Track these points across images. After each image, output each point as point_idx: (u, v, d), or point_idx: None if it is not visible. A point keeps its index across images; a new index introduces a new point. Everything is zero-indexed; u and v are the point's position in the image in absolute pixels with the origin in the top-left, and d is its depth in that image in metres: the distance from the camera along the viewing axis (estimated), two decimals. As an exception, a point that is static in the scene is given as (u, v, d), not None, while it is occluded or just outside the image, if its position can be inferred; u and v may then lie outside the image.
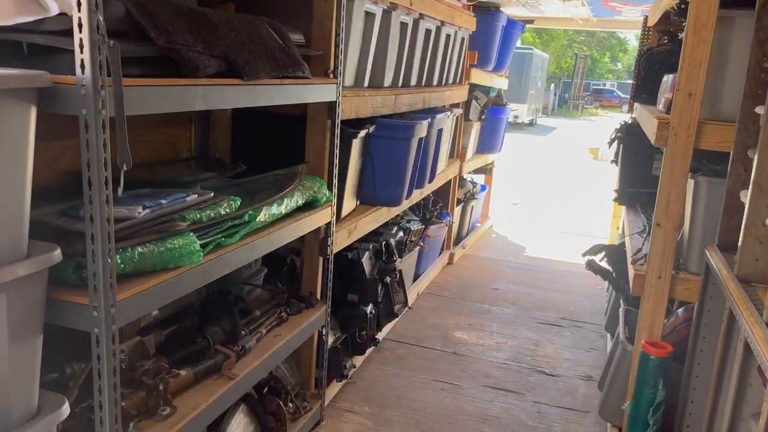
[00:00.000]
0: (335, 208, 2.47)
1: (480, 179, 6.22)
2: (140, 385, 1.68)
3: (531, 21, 5.68)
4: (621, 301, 3.22)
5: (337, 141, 2.41)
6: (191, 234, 1.60)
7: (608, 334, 3.59)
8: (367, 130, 2.67)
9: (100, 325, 1.34)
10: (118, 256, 1.39)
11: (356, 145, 2.64)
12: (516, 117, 20.57)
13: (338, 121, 2.39)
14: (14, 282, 1.19)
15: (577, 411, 2.87)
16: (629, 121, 3.79)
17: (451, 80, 4.31)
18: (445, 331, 3.65)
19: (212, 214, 1.69)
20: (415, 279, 4.20)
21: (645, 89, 3.50)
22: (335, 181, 2.45)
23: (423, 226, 3.86)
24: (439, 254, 4.77)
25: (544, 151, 14.58)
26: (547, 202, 8.13)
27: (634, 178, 3.54)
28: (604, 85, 38.30)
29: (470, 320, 3.83)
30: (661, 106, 2.75)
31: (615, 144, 3.80)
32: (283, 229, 2.05)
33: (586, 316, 4.05)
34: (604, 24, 5.66)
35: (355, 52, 2.66)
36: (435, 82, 3.90)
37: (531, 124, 22.48)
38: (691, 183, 2.25)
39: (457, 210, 5.14)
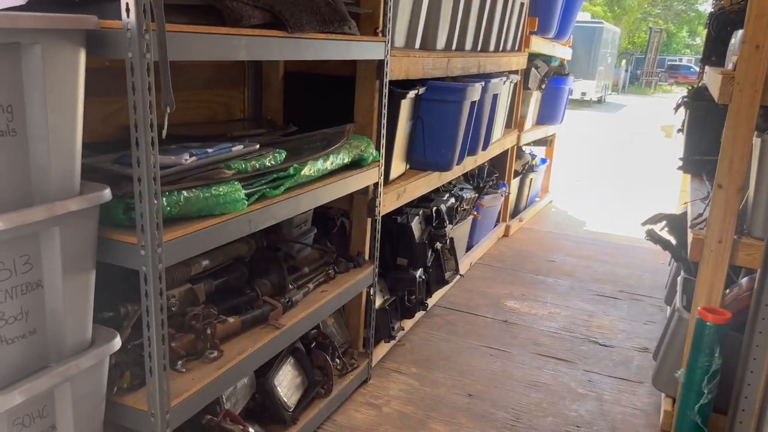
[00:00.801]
0: (383, 169, 2.48)
1: (541, 152, 6.09)
2: (190, 329, 1.75)
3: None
4: (681, 271, 3.10)
5: (385, 101, 2.41)
6: (236, 183, 1.64)
7: (668, 307, 3.47)
8: (416, 91, 2.65)
9: (147, 263, 1.40)
10: (164, 199, 1.44)
11: (405, 106, 2.63)
12: (584, 94, 19.97)
13: (386, 81, 2.39)
14: (67, 216, 1.26)
15: (630, 381, 2.80)
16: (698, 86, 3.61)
17: (509, 47, 4.22)
18: (496, 299, 3.62)
19: (257, 164, 1.73)
20: (468, 249, 4.18)
21: (715, 51, 3.32)
22: (383, 141, 2.45)
23: (476, 195, 3.82)
24: (495, 226, 4.72)
25: (612, 129, 14.08)
26: (613, 180, 7.87)
27: (701, 144, 3.37)
28: (680, 60, 36.54)
29: (523, 290, 3.78)
30: (730, 66, 2.61)
31: (682, 111, 3.63)
32: (329, 185, 2.07)
33: (645, 289, 3.93)
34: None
35: (405, 12, 2.64)
36: (491, 48, 3.82)
37: (600, 101, 21.75)
38: (757, 142, 2.13)
39: (515, 182, 5.05)
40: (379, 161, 2.43)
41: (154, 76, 1.33)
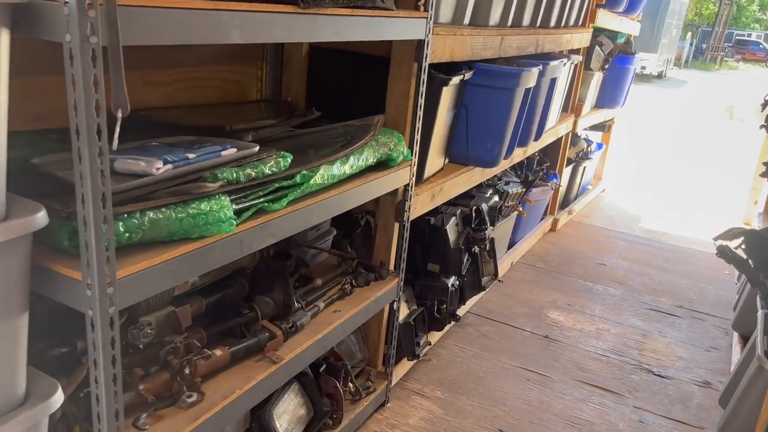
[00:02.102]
0: (415, 168, 2.11)
1: (596, 137, 5.59)
2: (165, 365, 1.46)
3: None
4: (758, 299, 2.67)
5: (423, 88, 2.03)
6: (223, 197, 1.31)
7: (735, 334, 3.05)
8: (461, 76, 2.26)
9: (94, 306, 1.09)
10: (121, 223, 1.12)
11: (447, 94, 2.25)
12: (643, 68, 18.90)
13: (425, 65, 2.00)
14: (-23, 252, 0.96)
15: (690, 426, 2.42)
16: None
17: (572, 22, 3.74)
18: (538, 309, 3.25)
19: (254, 173, 1.39)
20: (510, 247, 3.80)
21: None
22: (417, 136, 2.08)
23: (523, 190, 3.42)
24: (541, 219, 4.31)
25: (672, 107, 13.25)
26: (671, 165, 7.29)
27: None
28: (749, 35, 34.46)
29: (569, 299, 3.40)
30: None
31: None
32: (346, 192, 1.73)
33: (708, 305, 3.49)
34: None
35: (454, -19, 2.23)
36: (552, 24, 3.36)
37: (660, 76, 20.60)
38: None
39: (567, 171, 4.61)
40: (411, 160, 2.07)
41: (103, 66, 0.99)
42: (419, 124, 2.07)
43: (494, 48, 2.56)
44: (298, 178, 1.51)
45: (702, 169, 7.13)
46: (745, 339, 2.93)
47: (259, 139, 1.69)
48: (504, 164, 3.00)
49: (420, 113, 2.06)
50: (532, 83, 2.66)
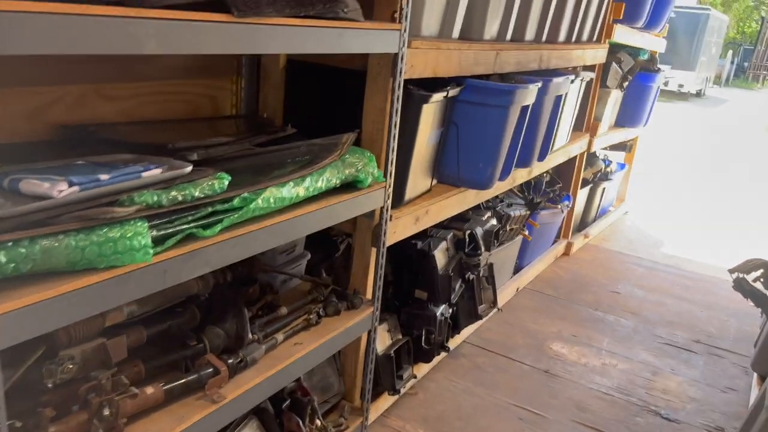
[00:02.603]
0: (391, 189, 1.97)
1: (618, 157, 5.36)
2: (84, 405, 1.33)
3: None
4: (777, 339, 2.44)
5: (398, 105, 1.89)
6: (140, 222, 1.19)
7: (755, 375, 2.80)
8: (445, 93, 2.11)
9: (-32, 345, 0.98)
10: (3, 252, 1.01)
11: (430, 111, 2.10)
12: (681, 86, 18.42)
13: (400, 80, 1.87)
14: None
15: (696, 478, 2.20)
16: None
17: (585, 37, 3.56)
18: (541, 340, 3.05)
19: (180, 195, 1.26)
20: (516, 272, 3.61)
21: None
22: (393, 156, 1.94)
23: (527, 213, 3.24)
24: (553, 243, 4.10)
25: (710, 126, 12.82)
26: (704, 187, 6.97)
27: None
28: (795, 54, 33.37)
29: (576, 329, 3.19)
30: None
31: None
32: (302, 217, 1.59)
33: (728, 341, 3.24)
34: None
35: (440, -8, 2.09)
36: (561, 39, 3.19)
37: (699, 94, 20.03)
38: None
39: (583, 192, 4.40)
40: (383, 181, 1.93)
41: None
42: (394, 144, 1.93)
43: (488, 63, 2.41)
44: (236, 202, 1.38)
45: (736, 192, 6.80)
46: (764, 380, 2.69)
47: (208, 158, 1.58)
48: (503, 186, 2.83)
49: (395, 131, 1.92)
50: (529, 101, 2.50)
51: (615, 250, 4.48)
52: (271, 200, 1.46)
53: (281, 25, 1.37)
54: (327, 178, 1.67)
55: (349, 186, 1.81)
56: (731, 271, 2.62)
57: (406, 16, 1.81)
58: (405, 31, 1.81)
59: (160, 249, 1.23)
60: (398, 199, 2.12)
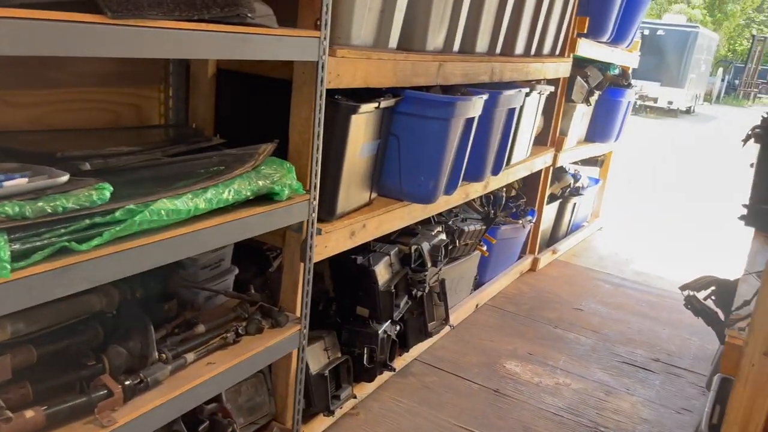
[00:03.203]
0: (316, 202, 1.90)
1: (593, 172, 5.32)
2: (-50, 429, 1.25)
3: (668, -18, 4.61)
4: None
5: (320, 116, 1.83)
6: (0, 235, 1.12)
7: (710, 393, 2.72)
8: (376, 104, 2.05)
9: None
10: None
11: (361, 122, 2.04)
12: (671, 103, 18.50)
13: (322, 90, 1.81)
14: None
15: (638, 505, 2.11)
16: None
17: (546, 50, 3.52)
18: (495, 358, 2.97)
19: (49, 207, 1.19)
20: (477, 287, 3.53)
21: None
22: (317, 168, 1.88)
23: (483, 228, 3.17)
24: (518, 258, 4.03)
25: (698, 143, 12.83)
26: (684, 203, 6.93)
27: (772, 191, 2.60)
28: (786, 71, 33.63)
29: (532, 347, 3.11)
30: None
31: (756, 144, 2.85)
32: (205, 230, 1.52)
33: (688, 360, 3.16)
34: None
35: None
36: (519, 51, 3.15)
37: (689, 111, 20.11)
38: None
39: (551, 207, 4.34)
40: (309, 193, 1.86)
41: None
42: (318, 155, 1.87)
43: (430, 74, 2.35)
44: (119, 214, 1.31)
45: (716, 209, 6.73)
46: (718, 402, 2.61)
47: (106, 168, 1.51)
48: (454, 199, 2.77)
49: (318, 143, 1.86)
50: (474, 113, 2.44)
51: (584, 266, 4.42)
52: (163, 213, 1.39)
53: (169, 29, 1.31)
54: (236, 189, 1.60)
55: (267, 198, 1.74)
56: (682, 289, 2.54)
57: (326, 24, 1.75)
58: (325, 39, 1.76)
59: (24, 264, 1.16)
60: (329, 212, 2.06)
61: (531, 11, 3.12)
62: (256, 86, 2.11)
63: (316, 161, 1.87)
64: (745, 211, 2.78)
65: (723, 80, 28.28)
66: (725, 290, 2.46)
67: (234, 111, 2.17)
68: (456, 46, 2.59)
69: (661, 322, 3.58)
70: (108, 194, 1.29)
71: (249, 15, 1.49)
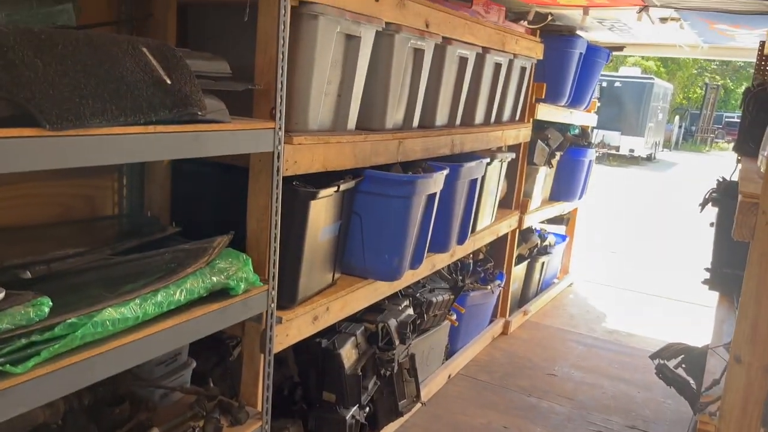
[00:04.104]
0: (275, 292, 1.84)
1: (560, 229, 5.36)
2: None
3: (620, 48, 4.78)
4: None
5: (277, 205, 1.79)
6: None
7: (687, 465, 2.67)
8: (335, 188, 2.03)
9: None
10: None
11: (320, 207, 2.01)
12: (632, 151, 19.05)
13: (278, 179, 1.78)
14: None
15: None
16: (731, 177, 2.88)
17: (506, 117, 3.58)
18: (468, 434, 2.89)
19: (-19, 329, 1.12)
20: (448, 356, 3.46)
21: (752, 137, 2.62)
22: (275, 257, 1.83)
23: (451, 297, 3.13)
24: (489, 323, 3.99)
25: (661, 189, 13.13)
26: (654, 252, 7.01)
27: (733, 255, 2.63)
28: (739, 117, 34.98)
29: (507, 419, 3.03)
30: (762, 166, 1.91)
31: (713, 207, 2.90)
32: (156, 335, 1.45)
33: (664, 425, 3.12)
34: (716, 52, 4.65)
35: (328, 85, 2.04)
36: (478, 121, 3.19)
37: (650, 158, 20.69)
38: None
39: (520, 269, 4.34)
40: (267, 284, 1.81)
41: None
42: (276, 244, 1.82)
43: (390, 153, 2.36)
44: (58, 330, 1.24)
45: (689, 256, 6.79)
46: (696, 473, 2.56)
47: (49, 274, 1.44)
48: (420, 272, 2.73)
49: (276, 232, 1.82)
50: (435, 189, 2.44)
51: (555, 327, 4.39)
52: (108, 323, 1.32)
53: (114, 135, 1.28)
54: (189, 289, 1.54)
55: (222, 293, 1.68)
56: (652, 358, 2.53)
57: (281, 114, 1.74)
58: (280, 129, 1.74)
59: (-49, 393, 1.08)
60: (289, 299, 2.00)
61: (489, 82, 3.18)
62: (213, 173, 2.07)
63: (275, 250, 1.83)
64: (707, 275, 2.81)
65: (680, 127, 29.28)
66: (695, 358, 2.45)
67: (191, 198, 2.13)
68: (416, 122, 2.61)
69: (635, 384, 3.55)
70: (47, 310, 1.22)
71: (200, 113, 1.47)
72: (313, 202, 1.94)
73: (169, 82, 1.42)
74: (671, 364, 2.50)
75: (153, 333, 1.45)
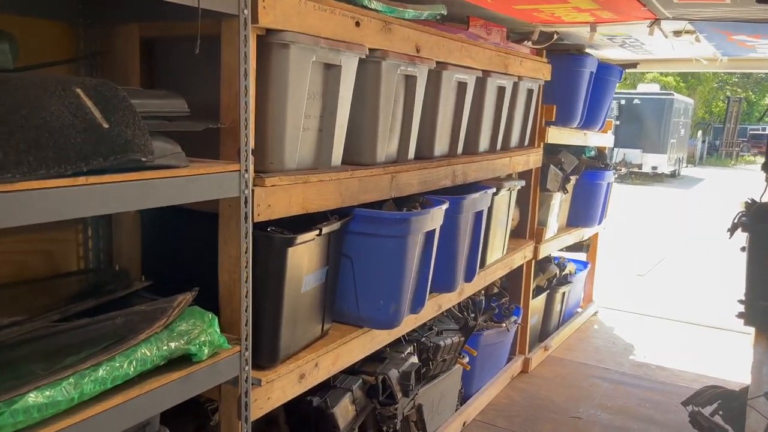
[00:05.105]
0: (249, 353, 1.64)
1: (581, 256, 5.10)
2: None
3: (633, 65, 4.57)
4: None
5: (247, 257, 1.61)
6: None
7: None
8: (317, 231, 1.83)
9: None
10: None
11: (300, 253, 1.81)
12: (654, 168, 18.66)
13: (248, 227, 1.60)
14: None
15: None
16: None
17: (514, 142, 3.38)
18: (485, 491, 2.63)
19: None
20: (463, 402, 3.21)
21: (782, 154, 2.38)
22: (248, 315, 1.63)
23: (462, 339, 2.89)
24: (507, 362, 3.73)
25: (687, 207, 12.72)
26: (683, 274, 6.67)
27: (770, 286, 2.37)
28: (764, 129, 34.28)
29: (528, 473, 2.77)
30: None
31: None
32: (95, 417, 1.25)
33: (704, 475, 2.81)
34: (736, 64, 4.40)
35: (306, 119, 1.86)
36: (483, 148, 3.00)
37: (673, 175, 20.24)
38: None
39: (538, 301, 4.08)
40: (239, 344, 1.61)
41: None
42: (248, 300, 1.63)
43: (381, 189, 2.16)
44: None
45: (720, 277, 6.43)
46: None
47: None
48: (424, 315, 2.51)
49: (248, 287, 1.62)
50: (433, 225, 2.23)
51: (579, 361, 4.11)
52: (34, 410, 1.13)
53: (32, 191, 1.10)
54: (140, 358, 1.35)
55: (185, 358, 1.49)
56: (684, 404, 2.27)
57: (248, 155, 1.56)
58: (246, 171, 1.56)
59: None
60: (270, 357, 1.80)
61: (492, 107, 2.99)
62: (186, 220, 1.89)
63: (246, 307, 1.63)
64: (742, 308, 2.54)
65: (704, 142, 28.75)
66: (732, 404, 2.18)
67: (163, 248, 1.96)
68: (411, 153, 2.42)
69: (669, 427, 3.24)
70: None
71: (144, 159, 1.29)
72: (290, 249, 1.75)
73: (106, 125, 1.25)
74: (706, 411, 2.24)
75: (93, 415, 1.25)
